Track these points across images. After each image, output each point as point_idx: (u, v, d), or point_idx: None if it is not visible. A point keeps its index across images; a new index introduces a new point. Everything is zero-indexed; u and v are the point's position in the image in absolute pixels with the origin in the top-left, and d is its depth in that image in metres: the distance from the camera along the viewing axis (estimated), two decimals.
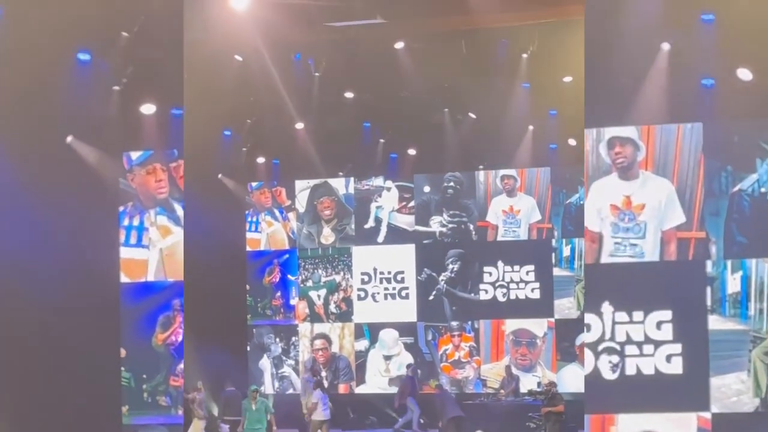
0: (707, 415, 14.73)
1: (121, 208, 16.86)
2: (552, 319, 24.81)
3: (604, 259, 15.25)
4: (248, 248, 26.87)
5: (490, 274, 25.33)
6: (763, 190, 14.67)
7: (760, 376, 14.55)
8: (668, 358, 14.81)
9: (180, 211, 16.73)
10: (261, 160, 26.73)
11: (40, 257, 15.40)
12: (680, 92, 15.07)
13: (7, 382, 15.16)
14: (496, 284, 25.28)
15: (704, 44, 14.97)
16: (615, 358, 14.88)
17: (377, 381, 25.71)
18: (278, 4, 19.62)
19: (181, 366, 16.17)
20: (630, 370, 14.86)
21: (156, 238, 16.63)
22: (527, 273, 25.11)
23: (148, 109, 17.24)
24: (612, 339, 14.93)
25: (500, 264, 25.26)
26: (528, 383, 24.03)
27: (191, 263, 24.38)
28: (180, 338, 16.30)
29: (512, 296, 25.17)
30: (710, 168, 14.93)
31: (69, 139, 16.41)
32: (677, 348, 14.78)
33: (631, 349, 14.90)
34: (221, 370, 24.25)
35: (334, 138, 25.28)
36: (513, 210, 25.33)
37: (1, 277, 15.18)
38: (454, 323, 25.58)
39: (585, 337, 15.06)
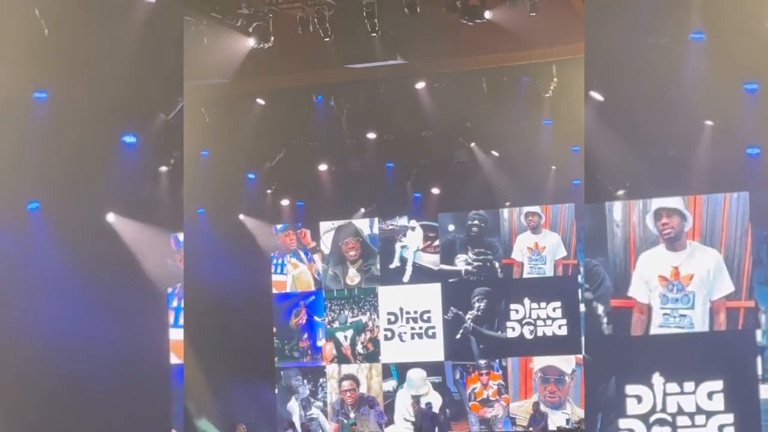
0: (581, 356, 14.46)
1: (170, 290, 19.73)
2: (580, 356, 24.66)
3: (654, 330, 15.27)
4: (274, 291, 26.93)
5: (517, 311, 25.25)
6: None
7: None
8: (720, 428, 15.00)
9: (302, 255, 27.21)
10: (285, 202, 26.81)
11: (93, 344, 15.61)
12: (726, 162, 15.06)
13: None
14: (523, 321, 25.20)
15: (748, 113, 14.94)
16: (667, 430, 14.93)
17: (406, 422, 25.59)
18: (298, 46, 19.77)
19: (305, 336, 26.69)
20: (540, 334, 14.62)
21: (290, 269, 27.31)
22: (554, 309, 25.01)
23: (284, 201, 26.74)
24: (663, 410, 15.02)
25: (527, 301, 25.19)
26: (557, 420, 23.89)
27: (219, 307, 24.73)
28: (304, 321, 26.72)
29: (539, 333, 25.06)
30: (758, 236, 15.02)
31: (111, 217, 16.78)
32: (729, 418, 14.91)
33: (683, 420, 15.02)
34: (251, 412, 24.35)
35: (358, 178, 25.38)
36: (538, 247, 25.29)
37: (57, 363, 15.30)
38: (482, 361, 25.48)
39: (635, 409, 14.92)
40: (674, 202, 15.10)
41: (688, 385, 15.06)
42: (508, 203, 25.70)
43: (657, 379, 15.19)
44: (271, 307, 26.85)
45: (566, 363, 24.78)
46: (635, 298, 15.59)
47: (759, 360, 14.95)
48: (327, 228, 26.83)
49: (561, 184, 24.91)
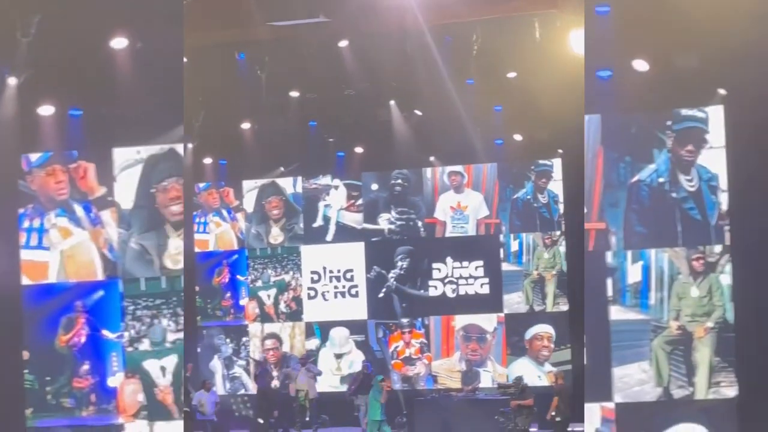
0: (611, 405, 14.97)
1: (21, 210, 16.60)
2: (501, 314, 24.92)
3: (447, 234, 25.21)
4: (197, 249, 26.76)
5: (439, 270, 25.40)
6: (661, 180, 14.97)
7: (662, 365, 14.82)
8: (481, 285, 21.75)
9: (81, 212, 16.22)
10: (208, 160, 26.62)
11: None
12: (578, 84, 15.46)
13: None
14: (446, 280, 25.37)
15: (600, 36, 15.10)
16: (454, 286, 23.70)
17: (329, 379, 25.67)
18: (221, 3, 19.58)
19: (86, 367, 15.82)
20: (461, 292, 20.85)
21: (57, 239, 16.28)
22: (476, 269, 25.20)
23: (45, 110, 16.63)
24: (452, 276, 22.74)
25: (449, 260, 25.34)
26: (483, 378, 24.13)
27: None
28: (83, 339, 15.90)
29: (461, 292, 25.26)
30: (609, 159, 15.18)
31: None
32: (486, 280, 21.97)
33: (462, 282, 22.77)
34: None
35: (281, 137, 25.25)
36: (461, 206, 25.43)
37: None
38: (405, 320, 25.63)
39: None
40: (458, 168, 24.29)
41: (466, 263, 24.20)
42: (430, 162, 25.78)
43: (449, 259, 24.15)
44: (193, 265, 26.69)
45: (488, 321, 25.04)
46: (438, 217, 24.37)
47: (609, 281, 15.20)
48: (250, 187, 26.69)
49: (484, 143, 25.05)
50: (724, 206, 14.55)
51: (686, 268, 14.85)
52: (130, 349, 15.85)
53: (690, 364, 14.67)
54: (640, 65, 14.79)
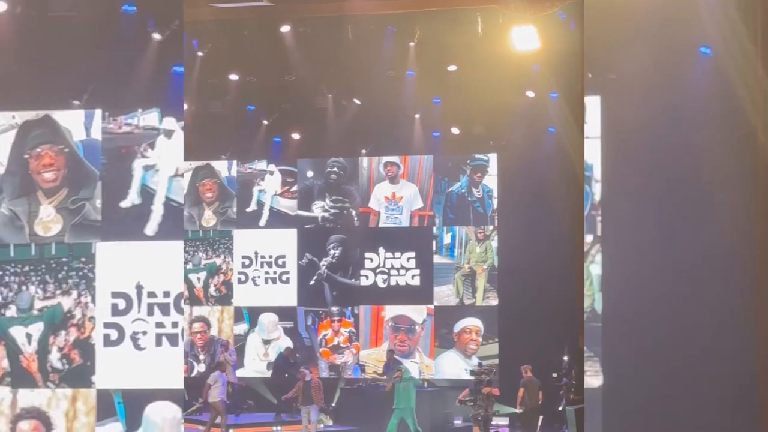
0: (432, 306, 24.86)
1: None
2: (431, 306, 25.02)
3: (381, 224, 25.90)
4: None
5: (371, 260, 25.43)
6: (463, 191, 25.25)
7: (459, 286, 25.10)
8: (413, 276, 25.20)
9: None
10: None
11: None
12: (420, 138, 25.42)
13: None
14: (377, 270, 25.40)
15: None
16: (385, 277, 25.61)
17: (256, 365, 25.61)
18: None
19: None
20: (392, 282, 25.30)
21: None
22: (408, 260, 25.27)
23: None
24: (384, 266, 25.47)
25: (381, 250, 25.38)
26: (411, 368, 24.20)
27: None
28: None
29: (392, 282, 25.32)
30: (437, 179, 25.27)
31: None
32: (417, 272, 25.19)
33: (394, 272, 25.43)
34: None
35: (218, 120, 25.07)
36: (395, 197, 25.48)
37: None
38: (334, 308, 25.64)
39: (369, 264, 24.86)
40: (394, 158, 25.58)
41: (398, 254, 25.48)
42: (366, 152, 25.78)
43: (381, 250, 25.46)
44: None
45: (417, 313, 25.13)
46: (372, 207, 25.67)
47: (434, 242, 25.33)
48: (184, 168, 26.44)
49: (421, 135, 25.13)
50: (598, 197, 14.76)
51: (474, 237, 25.16)
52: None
53: (473, 287, 25.06)
54: (455, 130, 25.17)
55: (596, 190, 14.76)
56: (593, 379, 14.67)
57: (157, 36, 15.05)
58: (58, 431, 14.44)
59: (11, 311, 14.66)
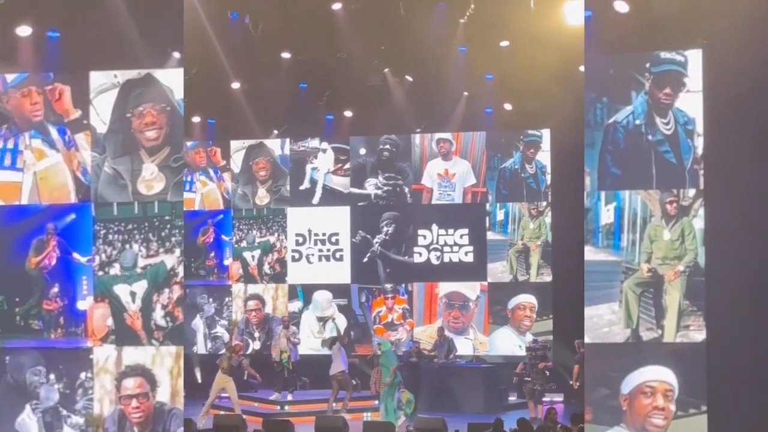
0: (485, 282, 21.68)
1: None
2: (485, 283, 25.00)
3: (434, 201, 25.26)
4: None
5: (425, 237, 25.45)
6: (637, 122, 14.70)
7: (632, 307, 14.61)
8: (466, 253, 23.79)
9: (55, 134, 15.54)
10: (196, 119, 26.52)
11: None
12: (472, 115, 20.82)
13: None
14: (430, 247, 25.42)
15: None
16: (438, 253, 24.73)
17: (310, 342, 25.74)
18: None
19: (55, 290, 15.31)
20: (446, 259, 23.63)
21: (30, 161, 15.54)
22: (461, 236, 25.26)
23: (23, 30, 15.69)
24: (437, 243, 24.23)
25: (434, 227, 25.39)
26: (461, 346, 24.19)
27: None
28: (53, 262, 15.35)
29: (446, 259, 25.33)
30: (489, 155, 22.00)
31: None
32: (471, 248, 23.75)
33: (447, 249, 24.80)
34: None
35: (271, 98, 25.15)
36: (448, 173, 25.44)
37: None
38: (388, 285, 25.69)
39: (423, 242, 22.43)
40: (446, 135, 25.11)
41: (450, 230, 24.19)
42: (419, 129, 25.76)
43: (434, 227, 24.74)
44: None
45: (471, 289, 25.12)
46: (425, 184, 24.96)
47: (486, 219, 23.42)
48: (238, 147, 26.64)
49: (473, 111, 25.06)
50: (700, 150, 14.55)
51: (659, 211, 14.64)
52: (100, 273, 15.09)
53: (659, 306, 14.52)
54: (621, 6, 14.60)
55: (698, 144, 14.57)
56: (696, 333, 14.52)
57: None
58: (163, 388, 14.73)
59: (115, 270, 15.01)
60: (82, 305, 15.28)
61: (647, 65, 14.65)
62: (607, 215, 14.78)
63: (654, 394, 14.18)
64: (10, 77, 15.62)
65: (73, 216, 15.36)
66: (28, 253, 15.47)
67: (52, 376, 15.14)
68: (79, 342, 15.17)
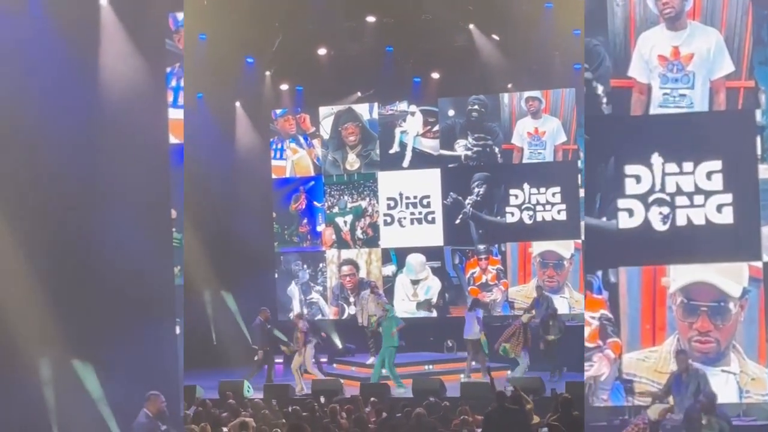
0: (758, 264, 14.73)
1: (271, 140, 27.32)
2: (579, 241, 24.74)
3: (653, 110, 15.10)
4: (274, 176, 26.95)
5: (516, 196, 25.26)
6: None
7: None
8: (719, 208, 14.79)
9: (302, 140, 27.22)
10: (284, 86, 26.65)
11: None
12: None
13: None
14: (523, 207, 25.22)
15: None
16: (665, 210, 14.89)
17: (405, 305, 25.81)
18: None
19: (305, 221, 26.96)
20: (681, 221, 14.88)
21: (289, 154, 27.26)
22: (553, 195, 25.02)
23: (284, 87, 26.78)
24: (662, 190, 14.92)
25: (526, 186, 25.17)
26: (558, 305, 24.01)
27: (217, 193, 24.86)
28: (304, 206, 26.95)
29: (539, 218, 25.11)
30: (758, 16, 14.65)
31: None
32: (728, 198, 14.76)
33: (681, 200, 14.93)
34: (254, 298, 24.53)
35: (357, 62, 25.15)
36: (538, 132, 25.20)
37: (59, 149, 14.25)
38: (481, 246, 25.60)
39: (634, 188, 15.04)
40: (535, 93, 15.84)
41: (687, 165, 14.94)
42: (508, 87, 25.53)
43: (656, 159, 15.01)
44: (270, 192, 26.92)
45: (565, 248, 24.88)
46: (635, 77, 15.25)
47: (758, 140, 14.74)
48: (326, 113, 26.72)
49: (562, 68, 24.71)
50: None
51: None
52: (328, 211, 26.85)
53: None
54: None
55: None
56: None
57: None
58: (362, 271, 26.49)
59: (335, 209, 26.76)
60: (319, 228, 27.06)
61: None
62: None
63: None
64: (278, 111, 27.05)
65: (313, 183, 27.04)
66: (290, 202, 27.13)
67: (305, 266, 26.96)
68: (318, 248, 27.05)
